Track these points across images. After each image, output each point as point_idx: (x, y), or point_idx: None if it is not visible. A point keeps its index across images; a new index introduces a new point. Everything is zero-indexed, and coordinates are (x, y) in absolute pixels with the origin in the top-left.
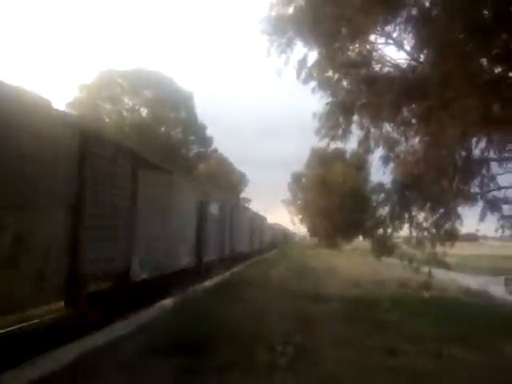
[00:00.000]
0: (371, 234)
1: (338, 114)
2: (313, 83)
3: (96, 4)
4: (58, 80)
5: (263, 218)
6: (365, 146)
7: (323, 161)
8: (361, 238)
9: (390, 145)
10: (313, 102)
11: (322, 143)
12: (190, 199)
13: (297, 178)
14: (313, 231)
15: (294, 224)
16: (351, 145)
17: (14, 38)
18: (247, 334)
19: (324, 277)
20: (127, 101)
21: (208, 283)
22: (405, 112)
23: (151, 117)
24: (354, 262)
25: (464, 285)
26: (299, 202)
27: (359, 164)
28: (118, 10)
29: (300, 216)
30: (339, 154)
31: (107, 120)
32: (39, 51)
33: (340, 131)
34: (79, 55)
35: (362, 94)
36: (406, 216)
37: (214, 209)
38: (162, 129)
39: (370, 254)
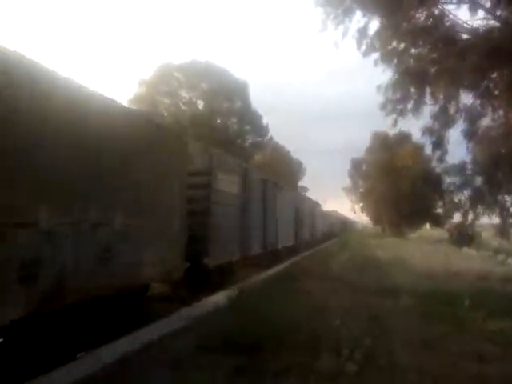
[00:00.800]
0: (442, 222)
1: (408, 84)
2: (375, 55)
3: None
4: (120, 77)
5: (316, 205)
6: (442, 119)
7: (385, 145)
8: (428, 225)
9: (472, 118)
10: (372, 86)
11: (387, 123)
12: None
13: (357, 165)
14: (376, 219)
15: (355, 212)
16: (420, 123)
17: (72, 35)
18: (309, 335)
19: (392, 268)
20: (184, 94)
21: None
22: (489, 79)
23: (207, 109)
24: (423, 251)
25: None
26: (360, 190)
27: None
28: (170, 3)
29: (361, 204)
30: (403, 138)
31: (166, 114)
32: (99, 49)
33: (411, 104)
34: (139, 51)
35: (438, 58)
36: (491, 200)
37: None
38: (218, 120)
39: (440, 243)
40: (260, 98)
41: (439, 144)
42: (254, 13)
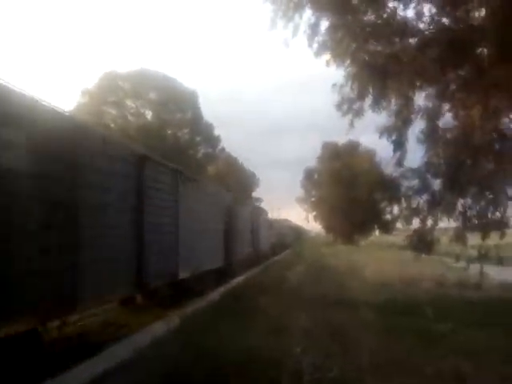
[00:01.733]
0: (390, 228)
1: (367, 79)
2: (327, 55)
3: (95, 5)
4: (60, 85)
5: (259, 212)
6: (403, 115)
7: (336, 154)
8: (377, 232)
9: (432, 116)
10: (322, 98)
11: (337, 134)
12: None
13: (309, 174)
14: (328, 228)
15: (308, 221)
16: (370, 129)
17: (13, 40)
18: (259, 359)
19: (347, 277)
20: (131, 104)
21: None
22: (448, 76)
23: (156, 119)
24: (375, 258)
25: None
26: (313, 199)
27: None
28: (117, 10)
29: (314, 213)
30: (352, 147)
31: (112, 125)
32: (39, 55)
33: (370, 100)
34: (80, 59)
35: (396, 52)
36: (449, 204)
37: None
38: (169, 131)
39: (390, 249)
40: (213, 110)
41: (400, 143)
42: (203, 23)
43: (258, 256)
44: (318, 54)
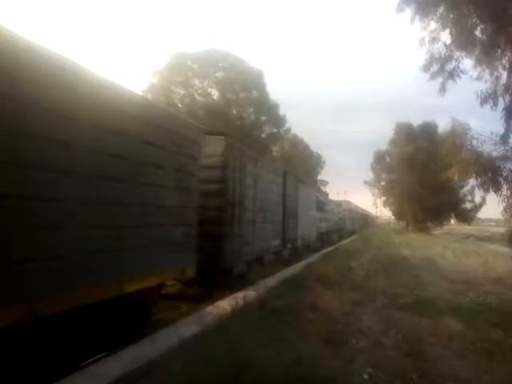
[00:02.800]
0: (469, 217)
1: (472, 25)
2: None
3: None
4: (134, 67)
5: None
6: None
7: (410, 136)
8: (452, 221)
9: None
10: (395, 81)
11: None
12: None
13: (380, 157)
14: (398, 214)
15: (377, 207)
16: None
17: (84, 24)
18: None
19: (422, 272)
20: (198, 83)
21: None
22: None
23: (222, 99)
24: (454, 250)
25: None
26: (383, 183)
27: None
28: None
29: (384, 198)
30: (427, 128)
31: (180, 105)
32: (111, 39)
33: (477, 50)
34: (153, 40)
35: None
36: None
37: None
38: (234, 111)
39: (469, 241)
40: (279, 93)
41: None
42: (275, 5)
43: (322, 241)
44: (400, 8)
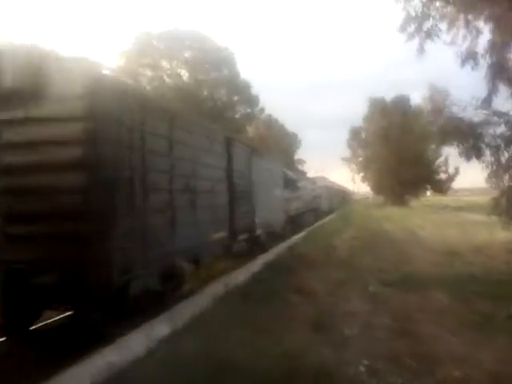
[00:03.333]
0: (444, 188)
1: None
2: None
3: None
4: (99, 48)
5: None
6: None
7: (384, 111)
8: (428, 193)
9: None
10: (367, 56)
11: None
12: None
13: (355, 134)
14: (377, 189)
15: (355, 182)
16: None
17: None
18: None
19: (405, 245)
20: (166, 65)
21: None
22: None
23: (192, 80)
24: (433, 221)
25: None
26: (360, 159)
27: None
28: None
29: (361, 174)
30: (401, 102)
31: (148, 88)
32: (78, 18)
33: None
34: (117, 21)
35: None
36: None
37: None
38: (205, 92)
39: (446, 211)
40: (254, 74)
41: (496, 70)
42: None
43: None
44: None
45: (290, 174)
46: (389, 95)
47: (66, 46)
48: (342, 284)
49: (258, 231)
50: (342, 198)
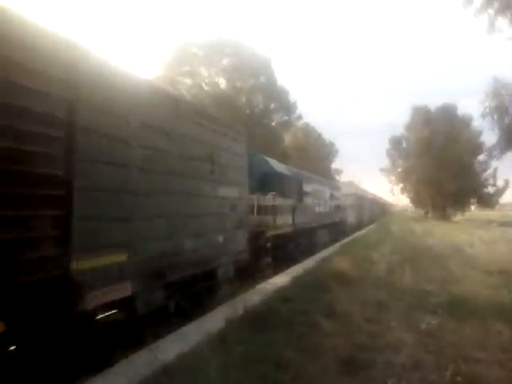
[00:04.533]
0: (492, 202)
1: None
2: None
3: None
4: (142, 57)
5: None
6: None
7: (427, 120)
8: (473, 207)
9: None
10: (410, 64)
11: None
12: None
13: (396, 143)
14: (417, 201)
15: (394, 194)
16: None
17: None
18: None
19: (451, 263)
20: (204, 72)
21: None
22: None
23: (230, 87)
24: (479, 236)
25: None
26: (399, 170)
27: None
28: None
29: (401, 185)
30: (447, 111)
31: (187, 96)
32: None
33: None
34: (157, 31)
35: None
36: None
37: None
38: (243, 99)
39: (492, 226)
40: (289, 84)
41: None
42: None
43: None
44: None
45: (276, 164)
46: (434, 104)
47: (108, 54)
48: (381, 307)
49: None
50: (380, 209)
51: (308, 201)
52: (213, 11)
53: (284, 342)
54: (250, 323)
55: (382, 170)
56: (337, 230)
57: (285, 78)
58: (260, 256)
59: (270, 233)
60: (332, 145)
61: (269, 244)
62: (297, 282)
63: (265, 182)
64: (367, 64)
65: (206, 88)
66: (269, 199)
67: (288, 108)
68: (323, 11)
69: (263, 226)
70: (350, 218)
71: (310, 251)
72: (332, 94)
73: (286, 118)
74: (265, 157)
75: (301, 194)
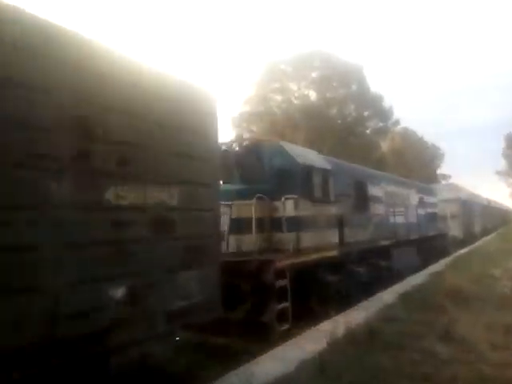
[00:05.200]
0: None
1: None
2: None
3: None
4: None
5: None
6: None
7: None
8: None
9: None
10: None
11: None
12: None
13: None
14: None
15: None
16: None
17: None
18: None
19: None
20: (293, 86)
21: None
22: None
23: (320, 99)
24: None
25: None
26: None
27: None
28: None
29: None
30: None
31: (277, 111)
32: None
33: None
34: (249, 54)
35: None
36: None
37: None
38: (335, 110)
39: None
40: (384, 87)
41: None
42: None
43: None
44: None
45: (303, 153)
46: None
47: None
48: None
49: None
50: (499, 217)
51: (376, 208)
52: (299, 26)
53: None
54: None
55: (498, 172)
56: (431, 247)
57: (380, 82)
58: (266, 304)
59: (287, 261)
60: (436, 148)
61: (284, 281)
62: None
63: (281, 180)
64: (472, 57)
65: (295, 102)
66: (278, 206)
67: (383, 114)
68: (418, 5)
69: (270, 252)
70: (454, 230)
71: (377, 283)
72: (436, 92)
73: (382, 124)
74: (283, 143)
75: (361, 199)
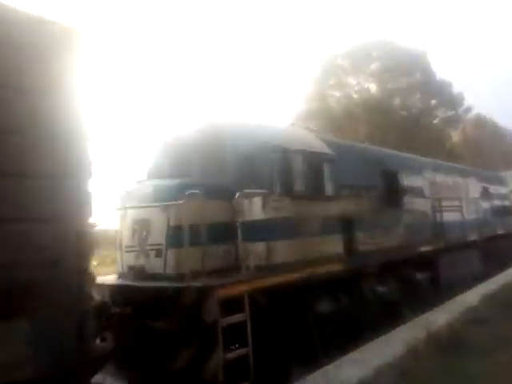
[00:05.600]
0: None
1: None
2: None
3: None
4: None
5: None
6: None
7: None
8: None
9: None
10: None
11: None
12: None
13: None
14: None
15: None
16: None
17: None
18: None
19: None
20: (351, 80)
21: None
22: None
23: (381, 90)
24: None
25: None
26: None
27: None
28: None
29: None
30: None
31: (335, 107)
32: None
33: None
34: (306, 51)
35: None
36: None
37: None
38: (397, 101)
39: None
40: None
41: None
42: None
43: None
44: None
45: (294, 135)
46: None
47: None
48: None
49: None
50: None
51: (414, 204)
52: (354, 17)
53: None
54: None
55: None
56: (498, 250)
57: (450, 67)
58: (208, 353)
59: (243, 286)
60: None
61: (239, 316)
62: None
63: (247, 171)
64: None
65: (355, 96)
66: (237, 207)
67: (452, 101)
68: None
69: (215, 273)
70: None
71: (411, 303)
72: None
73: (451, 112)
74: (252, 121)
75: (390, 193)
